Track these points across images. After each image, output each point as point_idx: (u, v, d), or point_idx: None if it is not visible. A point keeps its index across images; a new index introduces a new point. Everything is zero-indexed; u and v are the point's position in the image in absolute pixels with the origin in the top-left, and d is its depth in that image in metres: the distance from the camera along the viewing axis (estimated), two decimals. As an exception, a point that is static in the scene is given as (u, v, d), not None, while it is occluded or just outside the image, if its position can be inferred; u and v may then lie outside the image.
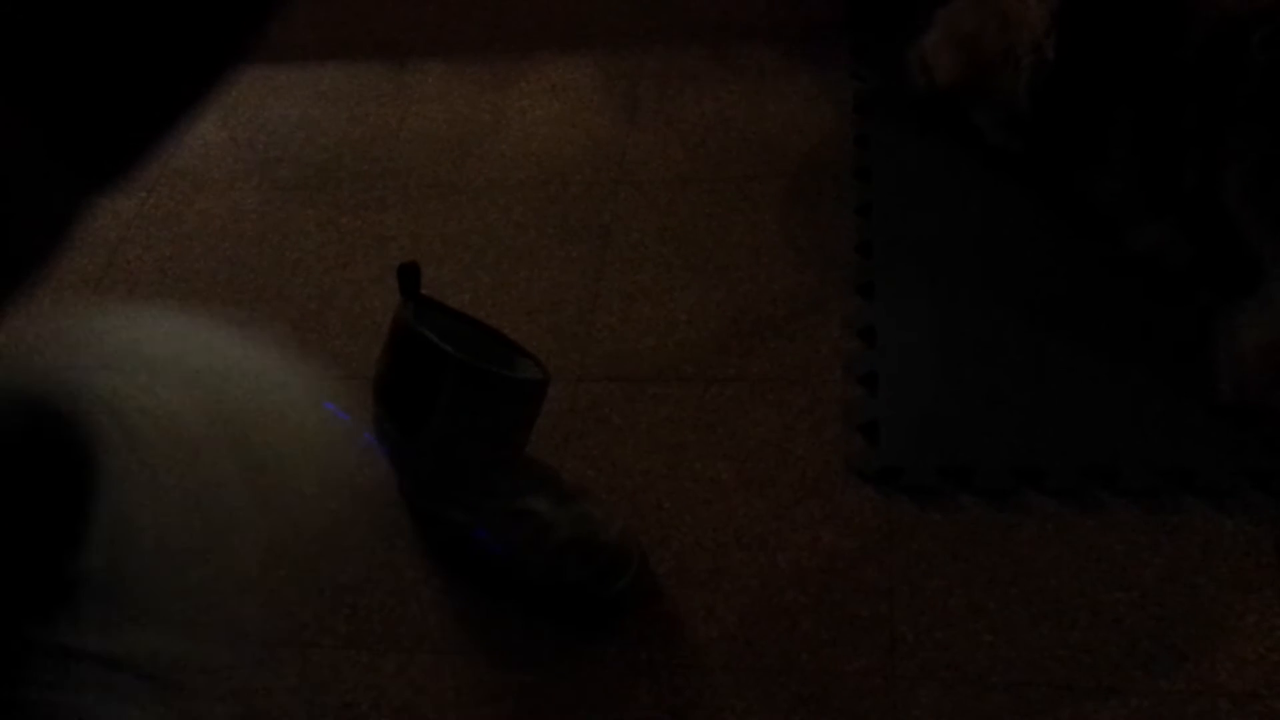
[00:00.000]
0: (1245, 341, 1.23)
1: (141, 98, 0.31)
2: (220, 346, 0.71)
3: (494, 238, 1.60)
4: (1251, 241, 1.22)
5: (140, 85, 0.31)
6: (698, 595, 1.20)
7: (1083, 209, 1.44)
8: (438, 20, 1.96)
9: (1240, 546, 1.16)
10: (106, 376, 0.63)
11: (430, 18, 1.96)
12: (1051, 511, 1.21)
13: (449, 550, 1.26)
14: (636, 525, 1.25)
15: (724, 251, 1.53)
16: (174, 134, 0.33)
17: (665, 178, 1.64)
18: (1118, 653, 1.10)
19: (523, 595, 1.21)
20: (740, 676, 1.14)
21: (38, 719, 0.70)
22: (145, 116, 0.32)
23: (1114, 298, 1.37)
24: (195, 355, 0.70)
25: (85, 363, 0.61)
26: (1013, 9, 1.44)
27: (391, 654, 1.20)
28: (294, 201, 1.70)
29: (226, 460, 0.66)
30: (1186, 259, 1.34)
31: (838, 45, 1.76)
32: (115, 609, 0.62)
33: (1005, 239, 1.45)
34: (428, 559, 1.27)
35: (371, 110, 1.82)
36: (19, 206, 0.30)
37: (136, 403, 0.61)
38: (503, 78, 1.84)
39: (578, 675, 1.15)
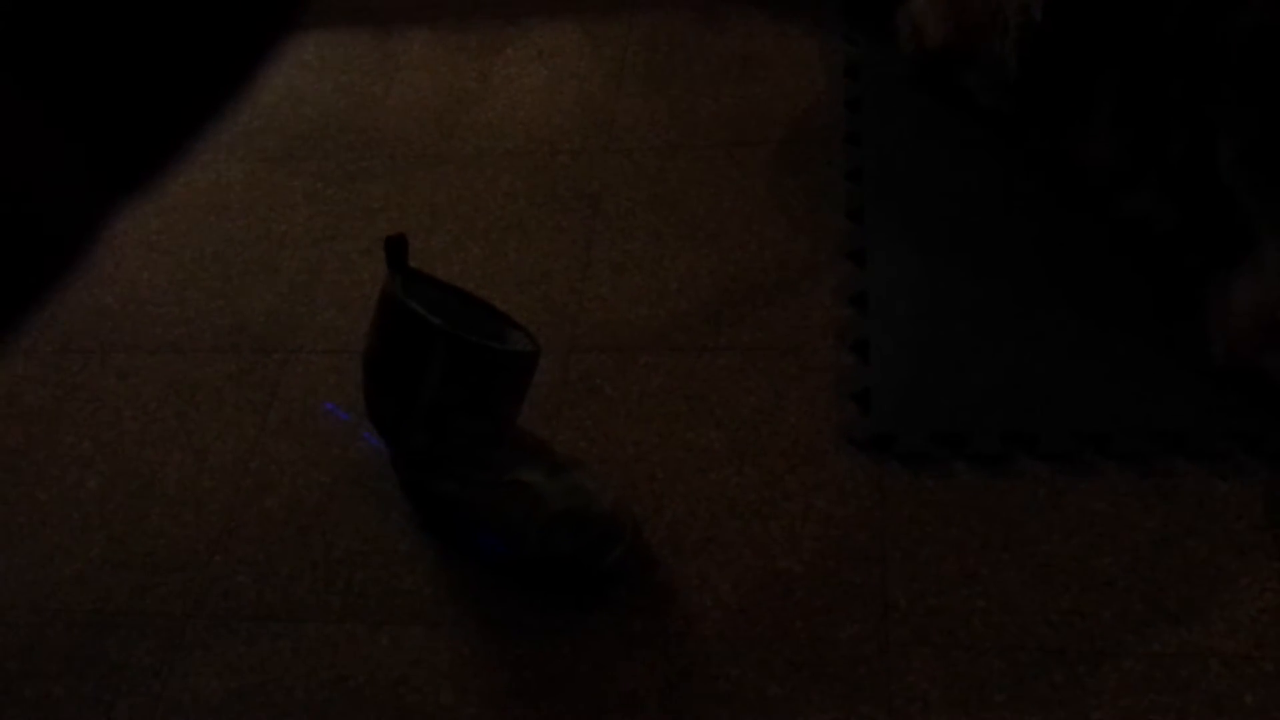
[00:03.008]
0: (1236, 305, 1.22)
1: (168, 98, 0.31)
2: None
3: (482, 208, 1.59)
4: (1244, 209, 1.22)
5: (168, 85, 0.30)
6: (691, 565, 1.20)
7: (1072, 173, 1.43)
8: (422, -13, 1.93)
9: (1232, 509, 1.16)
10: None
11: (414, -16, 1.94)
12: (1044, 476, 1.21)
13: (442, 523, 1.26)
14: (629, 496, 1.25)
15: (714, 219, 1.52)
16: (197, 138, 0.32)
17: (654, 145, 1.62)
18: (1110, 616, 1.11)
19: (516, 567, 1.21)
20: (734, 645, 1.14)
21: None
22: (172, 118, 0.31)
23: (1105, 262, 1.36)
24: None
25: None
26: (1002, -30, 1.42)
27: (386, 627, 1.20)
28: (279, 173, 1.69)
29: None
30: (1173, 224, 1.33)
31: (827, 8, 1.74)
32: None
33: (996, 204, 1.45)
34: (421, 532, 1.27)
35: (356, 79, 1.80)
36: (44, 212, 0.29)
37: None
38: (489, 44, 1.82)
39: (572, 646, 1.16)
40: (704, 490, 1.25)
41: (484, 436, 1.18)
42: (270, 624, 1.22)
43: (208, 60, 0.30)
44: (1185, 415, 1.22)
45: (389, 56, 1.83)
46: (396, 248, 1.15)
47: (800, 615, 1.15)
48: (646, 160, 1.61)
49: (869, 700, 1.08)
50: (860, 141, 1.55)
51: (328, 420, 1.37)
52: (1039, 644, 1.10)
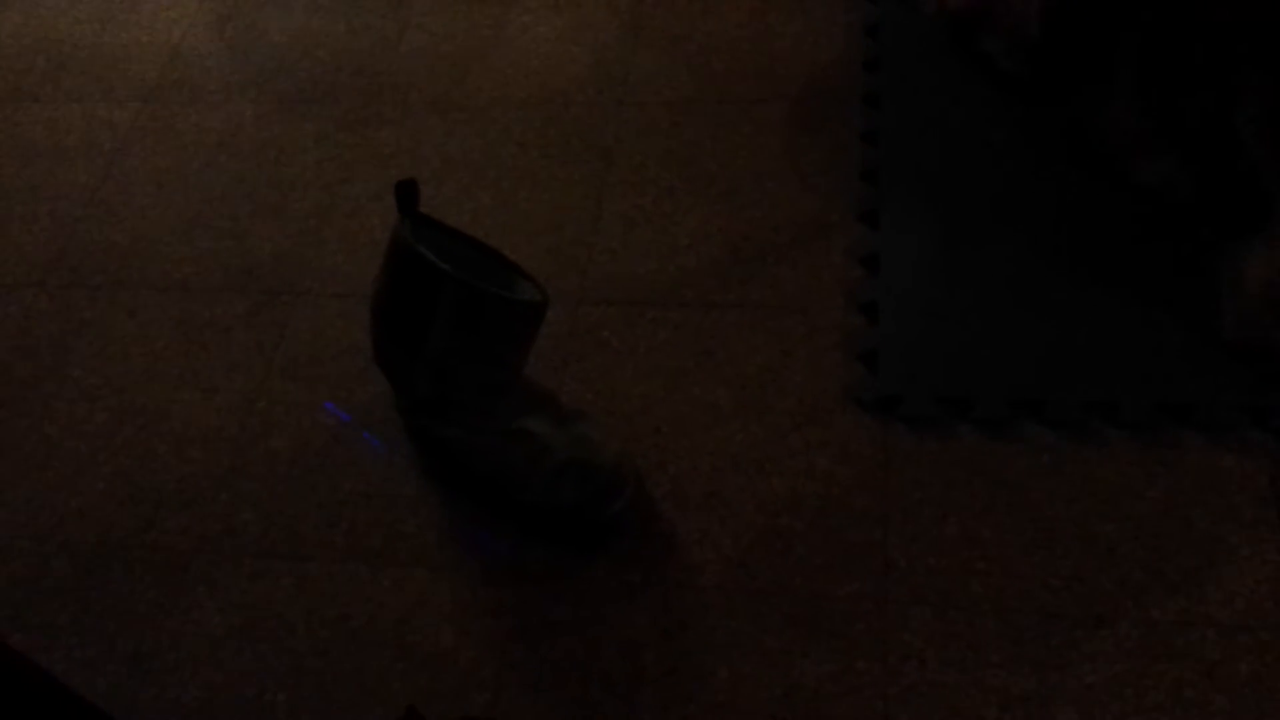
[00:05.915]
0: (1251, 278, 1.22)
1: None
2: None
3: (494, 157, 1.58)
4: (1263, 178, 1.21)
5: None
6: (693, 518, 1.20)
7: (1090, 139, 1.42)
8: (440, -69, 1.91)
9: (1236, 481, 1.16)
10: None
11: (432, -71, 1.92)
12: (1049, 443, 1.21)
13: (446, 468, 1.26)
14: (633, 448, 1.25)
15: (727, 176, 1.51)
16: None
17: (669, 99, 1.61)
18: (1109, 583, 1.11)
19: (519, 515, 1.21)
20: (733, 598, 1.15)
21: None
22: None
23: (1119, 231, 1.36)
24: None
25: None
26: (1028, -69, 1.41)
27: (388, 568, 1.21)
28: (292, 115, 1.68)
29: None
30: (1190, 193, 1.32)
31: (848, -34, 1.72)
32: None
33: (1012, 169, 1.44)
34: (426, 477, 1.27)
35: (371, 22, 1.79)
36: None
37: None
38: (505, -8, 1.80)
39: (572, 593, 1.16)
40: (708, 445, 1.26)
41: (490, 384, 1.19)
42: (274, 562, 1.23)
43: None
44: (1194, 387, 1.22)
45: (403, 2, 1.82)
46: (407, 192, 1.14)
47: (800, 571, 1.15)
48: (660, 114, 1.59)
49: (865, 655, 1.09)
50: (877, 103, 1.54)
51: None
52: (1037, 607, 1.10)
